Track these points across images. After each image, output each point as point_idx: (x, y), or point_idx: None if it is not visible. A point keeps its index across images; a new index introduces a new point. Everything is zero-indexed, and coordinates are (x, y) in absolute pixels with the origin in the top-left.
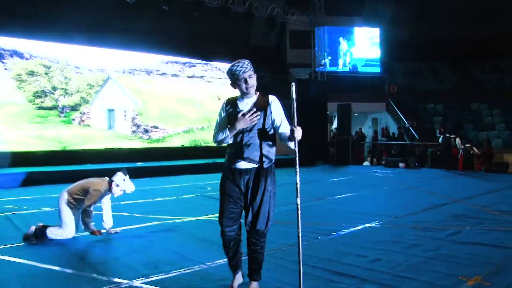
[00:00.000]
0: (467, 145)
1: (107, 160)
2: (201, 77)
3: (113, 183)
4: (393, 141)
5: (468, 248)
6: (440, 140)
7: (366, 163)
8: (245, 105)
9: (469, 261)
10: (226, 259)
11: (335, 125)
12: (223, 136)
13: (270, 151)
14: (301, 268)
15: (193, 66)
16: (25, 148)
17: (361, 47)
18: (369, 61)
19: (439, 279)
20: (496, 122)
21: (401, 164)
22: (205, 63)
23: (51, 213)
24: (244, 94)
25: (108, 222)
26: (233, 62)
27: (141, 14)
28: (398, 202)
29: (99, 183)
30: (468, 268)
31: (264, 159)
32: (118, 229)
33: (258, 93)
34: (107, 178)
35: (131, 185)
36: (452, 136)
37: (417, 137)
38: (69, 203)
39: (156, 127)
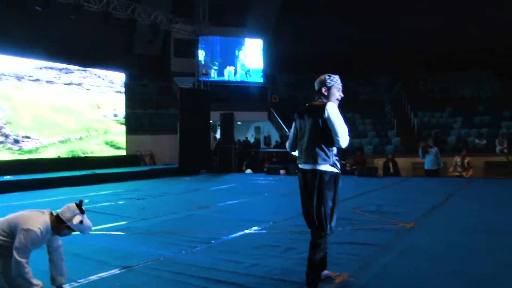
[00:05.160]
0: None
1: None
2: (80, 84)
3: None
4: (274, 149)
5: (338, 247)
6: None
7: (248, 170)
8: None
9: (339, 260)
10: (99, 275)
11: (218, 134)
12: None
13: None
14: None
15: (71, 73)
16: None
17: (249, 57)
18: (252, 71)
19: None
20: (367, 130)
21: (282, 171)
22: (83, 70)
23: None
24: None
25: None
26: (328, 75)
27: (11, 14)
28: (278, 207)
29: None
30: (337, 267)
31: None
32: None
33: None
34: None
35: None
36: None
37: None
38: None
39: (28, 137)
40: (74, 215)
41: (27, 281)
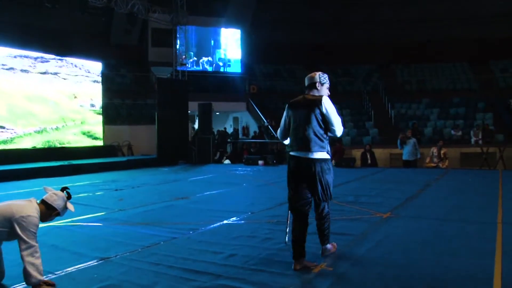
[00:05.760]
0: None
1: None
2: (55, 73)
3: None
4: (252, 140)
5: (316, 238)
6: None
7: (227, 161)
8: None
9: (317, 250)
10: (76, 267)
11: (197, 124)
12: None
13: None
14: None
15: (46, 62)
16: None
17: (226, 47)
18: (231, 61)
19: (289, 269)
20: (345, 121)
21: (260, 162)
22: (59, 59)
23: None
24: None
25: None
26: (322, 72)
27: None
28: (256, 198)
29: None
30: (315, 256)
31: None
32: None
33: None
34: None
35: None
36: None
37: (275, 135)
38: None
39: (2, 127)
40: (65, 202)
41: (39, 265)
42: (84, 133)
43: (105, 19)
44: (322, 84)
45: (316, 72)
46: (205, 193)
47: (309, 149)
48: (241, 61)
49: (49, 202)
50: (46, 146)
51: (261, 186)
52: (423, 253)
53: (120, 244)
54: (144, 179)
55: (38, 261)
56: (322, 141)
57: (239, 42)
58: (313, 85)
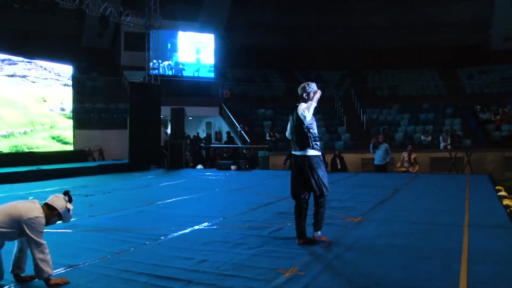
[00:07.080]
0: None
1: None
2: (24, 76)
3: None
4: (225, 145)
5: (288, 243)
6: None
7: (199, 166)
8: None
9: (288, 255)
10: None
11: (169, 129)
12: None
13: None
14: None
15: (14, 64)
16: None
17: (194, 52)
18: (203, 66)
19: (260, 274)
20: (318, 126)
21: (232, 167)
22: (28, 62)
23: None
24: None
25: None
26: (307, 83)
27: None
28: (228, 203)
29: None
30: (287, 261)
31: None
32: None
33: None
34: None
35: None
36: None
37: (248, 140)
38: None
39: None
40: (66, 202)
41: (49, 261)
42: (53, 138)
43: (77, 22)
44: (308, 93)
45: (303, 84)
46: (177, 198)
47: (301, 149)
48: (214, 65)
49: (50, 203)
50: (13, 151)
51: (234, 191)
52: (393, 256)
53: (89, 251)
54: (115, 184)
55: (48, 257)
56: (310, 141)
57: (212, 46)
58: (301, 95)
